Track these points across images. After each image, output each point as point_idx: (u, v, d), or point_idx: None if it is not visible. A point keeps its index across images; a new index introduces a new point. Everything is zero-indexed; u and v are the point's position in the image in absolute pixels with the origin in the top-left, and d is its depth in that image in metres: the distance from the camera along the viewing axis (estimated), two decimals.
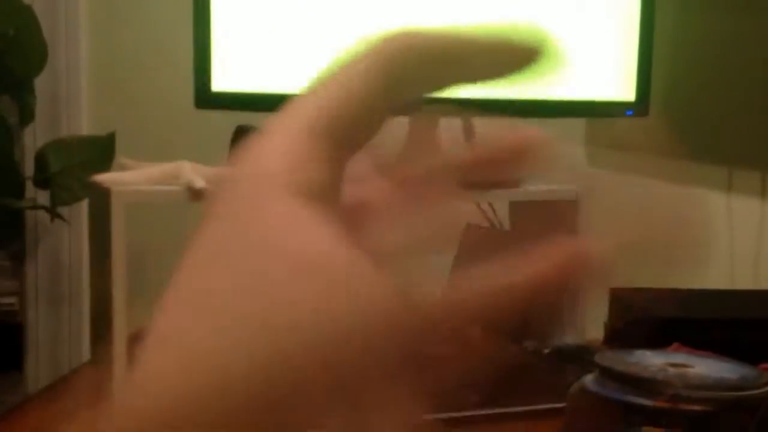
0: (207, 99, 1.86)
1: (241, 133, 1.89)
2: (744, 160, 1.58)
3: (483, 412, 0.73)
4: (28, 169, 2.22)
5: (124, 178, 1.68)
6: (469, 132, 1.67)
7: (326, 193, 0.26)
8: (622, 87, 1.58)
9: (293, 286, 0.23)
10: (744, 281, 1.53)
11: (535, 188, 1.51)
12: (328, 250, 0.24)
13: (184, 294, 0.24)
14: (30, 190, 2.19)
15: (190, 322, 0.23)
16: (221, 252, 0.24)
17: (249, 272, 0.23)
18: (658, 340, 0.80)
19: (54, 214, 2.17)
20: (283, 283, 0.23)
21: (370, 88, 0.27)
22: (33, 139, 2.27)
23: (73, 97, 2.30)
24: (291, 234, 0.24)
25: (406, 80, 0.28)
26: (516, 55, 0.28)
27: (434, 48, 0.28)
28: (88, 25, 2.30)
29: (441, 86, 0.29)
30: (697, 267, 1.61)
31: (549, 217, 1.50)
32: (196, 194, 1.61)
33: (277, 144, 0.26)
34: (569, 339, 0.88)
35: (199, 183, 1.62)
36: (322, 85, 0.28)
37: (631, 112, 1.59)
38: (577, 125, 1.90)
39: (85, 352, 2.32)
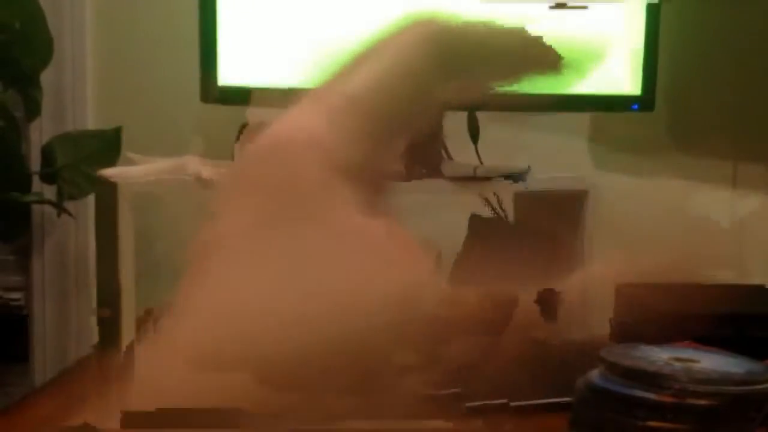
0: (213, 94, 1.86)
1: (246, 129, 1.89)
2: (749, 155, 1.58)
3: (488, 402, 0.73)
4: (35, 163, 2.23)
5: (131, 173, 1.68)
6: (474, 127, 1.67)
7: (356, 169, 0.26)
8: (627, 81, 1.58)
9: (335, 256, 0.23)
10: (750, 276, 1.53)
11: (540, 180, 1.51)
12: (365, 222, 0.24)
13: (233, 256, 0.25)
14: (36, 184, 2.20)
15: (241, 281, 0.24)
16: (264, 220, 0.25)
17: (295, 241, 0.24)
18: (663, 335, 0.80)
19: (61, 209, 2.17)
20: (326, 253, 0.23)
21: (411, 62, 0.27)
22: (39, 133, 2.27)
23: (78, 92, 2.30)
24: (329, 208, 0.24)
25: (447, 55, 0.27)
26: (545, 54, 0.28)
27: (466, 34, 0.27)
28: (93, 18, 2.31)
29: (477, 75, 0.29)
30: (703, 262, 1.61)
31: (554, 209, 1.50)
32: (204, 183, 1.61)
33: (313, 118, 0.26)
34: (575, 334, 0.89)
35: (207, 173, 1.62)
36: (355, 64, 0.27)
37: (636, 107, 1.59)
38: (583, 119, 1.89)
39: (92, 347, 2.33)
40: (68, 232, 2.33)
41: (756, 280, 1.52)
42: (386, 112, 0.27)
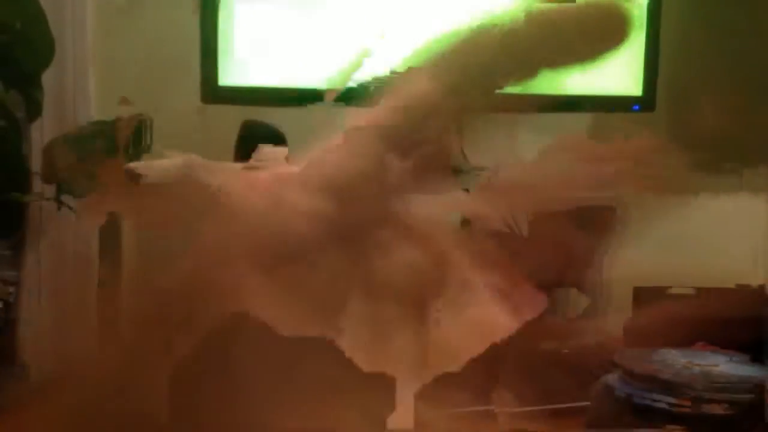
0: (214, 93, 1.87)
1: (247, 128, 1.90)
2: (753, 157, 1.59)
3: (508, 409, 0.74)
4: (36, 164, 2.22)
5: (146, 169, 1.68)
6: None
7: (363, 182, 0.27)
8: (628, 82, 1.59)
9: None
10: (756, 278, 1.54)
11: None
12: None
13: None
14: (37, 184, 2.19)
15: None
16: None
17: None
18: (681, 339, 0.81)
19: (60, 203, 2.16)
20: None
21: (425, 99, 0.28)
22: (40, 133, 2.27)
23: (79, 92, 2.30)
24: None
25: (467, 79, 0.28)
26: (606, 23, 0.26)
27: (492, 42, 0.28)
28: (94, 19, 2.30)
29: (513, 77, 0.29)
30: (717, 265, 1.62)
31: (566, 223, 1.50)
32: (204, 186, 1.61)
33: (335, 144, 0.29)
34: (591, 338, 0.89)
35: (207, 175, 1.62)
36: (386, 95, 0.29)
37: (637, 107, 1.60)
38: (583, 120, 1.90)
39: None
40: (68, 230, 2.33)
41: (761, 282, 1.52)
42: (398, 130, 0.29)
